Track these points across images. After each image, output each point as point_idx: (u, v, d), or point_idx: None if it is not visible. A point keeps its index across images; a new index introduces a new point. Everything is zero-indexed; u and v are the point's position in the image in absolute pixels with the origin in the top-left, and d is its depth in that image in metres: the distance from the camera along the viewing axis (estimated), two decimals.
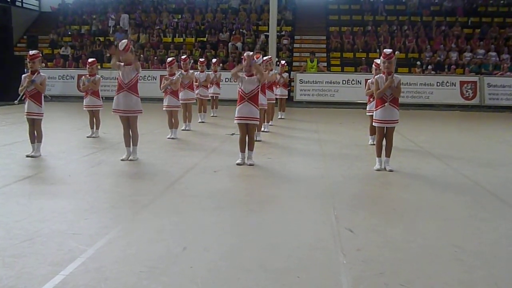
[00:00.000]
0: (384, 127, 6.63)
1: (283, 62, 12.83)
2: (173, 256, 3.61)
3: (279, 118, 12.61)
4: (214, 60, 12.96)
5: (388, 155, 6.70)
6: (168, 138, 9.06)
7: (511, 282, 3.27)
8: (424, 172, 6.68)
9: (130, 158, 7.03)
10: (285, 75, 12.88)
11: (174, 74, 9.60)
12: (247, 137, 6.91)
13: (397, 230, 4.28)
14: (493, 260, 3.64)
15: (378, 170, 6.64)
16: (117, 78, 6.99)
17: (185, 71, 10.13)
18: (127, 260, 3.51)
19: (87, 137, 9.12)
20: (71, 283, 3.14)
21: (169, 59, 9.71)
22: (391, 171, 6.57)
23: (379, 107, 6.60)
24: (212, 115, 12.91)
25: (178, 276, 3.28)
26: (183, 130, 10.11)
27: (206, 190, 5.52)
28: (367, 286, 3.17)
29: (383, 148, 6.71)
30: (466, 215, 4.74)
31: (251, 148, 6.94)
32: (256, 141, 7.98)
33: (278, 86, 12.35)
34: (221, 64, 19.24)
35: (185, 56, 10.42)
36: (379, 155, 6.74)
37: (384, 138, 6.68)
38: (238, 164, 6.82)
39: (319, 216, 4.65)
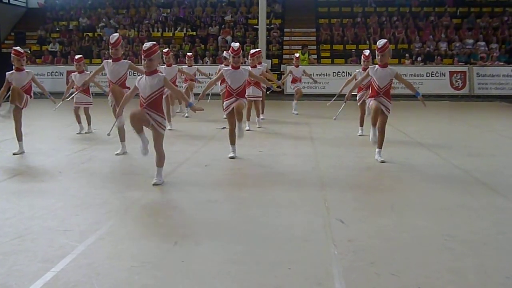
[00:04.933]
0: (378, 107, 6.54)
1: (297, 55, 12.39)
2: (164, 250, 3.61)
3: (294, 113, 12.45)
4: (189, 54, 12.17)
5: (379, 146, 6.71)
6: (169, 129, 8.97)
7: (501, 270, 3.30)
8: (415, 162, 6.71)
9: (118, 152, 7.02)
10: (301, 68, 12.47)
11: (171, 65, 9.70)
12: (235, 117, 6.78)
13: (388, 220, 4.30)
14: (483, 248, 3.67)
15: (375, 142, 6.74)
16: (107, 78, 7.00)
17: (167, 65, 9.67)
18: (119, 256, 3.51)
19: (77, 134, 9.07)
20: (63, 279, 3.13)
21: (165, 50, 9.63)
22: (382, 162, 6.59)
23: (372, 97, 6.61)
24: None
25: (170, 270, 3.28)
26: (169, 129, 9.61)
27: (197, 184, 5.51)
28: (358, 276, 3.19)
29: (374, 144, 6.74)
30: (456, 204, 4.77)
31: (239, 119, 6.76)
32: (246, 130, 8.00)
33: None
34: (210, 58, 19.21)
35: (167, 49, 10.04)
36: (374, 125, 6.70)
37: (376, 129, 6.66)
38: (231, 158, 6.81)
39: (311, 207, 4.66)
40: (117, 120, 6.38)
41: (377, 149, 6.73)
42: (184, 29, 21.55)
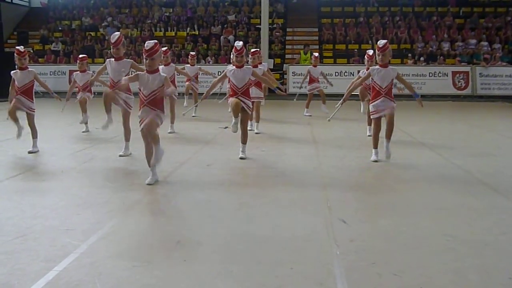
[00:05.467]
0: (381, 116, 6.57)
1: (316, 54, 12.06)
2: (166, 250, 3.62)
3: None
4: (192, 53, 12.10)
5: (388, 137, 6.53)
6: (169, 132, 8.97)
7: (502, 270, 3.30)
8: (417, 162, 6.71)
9: (120, 153, 7.01)
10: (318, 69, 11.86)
11: (169, 64, 9.52)
12: (241, 128, 6.80)
13: (390, 220, 4.30)
14: (484, 249, 3.67)
15: (375, 161, 6.63)
16: (109, 77, 7.02)
17: (165, 65, 9.33)
18: (121, 255, 3.51)
19: (84, 123, 9.24)
20: (65, 278, 3.14)
21: (164, 48, 9.60)
22: (389, 156, 6.51)
23: (374, 99, 6.60)
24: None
25: (172, 270, 3.29)
26: (169, 133, 9.02)
27: (199, 183, 5.52)
28: (360, 276, 3.19)
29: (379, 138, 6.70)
30: (457, 204, 4.77)
31: (244, 141, 6.90)
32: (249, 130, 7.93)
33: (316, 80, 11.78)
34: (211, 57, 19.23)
35: (166, 48, 9.93)
36: (375, 146, 6.72)
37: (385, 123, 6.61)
38: (241, 158, 6.77)
39: (313, 207, 4.66)
40: (108, 117, 6.68)
41: (385, 141, 6.59)
42: (188, 29, 21.54)
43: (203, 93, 6.95)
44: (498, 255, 3.55)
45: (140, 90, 5.36)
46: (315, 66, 11.79)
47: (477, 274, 3.24)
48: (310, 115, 11.85)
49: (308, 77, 11.84)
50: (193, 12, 22.58)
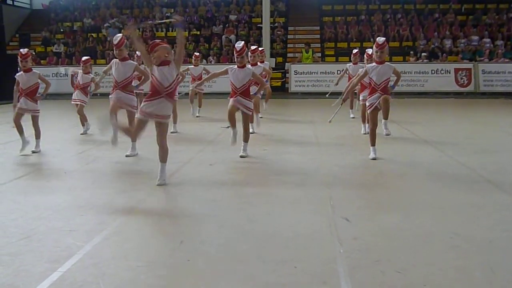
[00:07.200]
0: (376, 105, 6.58)
1: (355, 51, 11.09)
2: (170, 250, 3.62)
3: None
4: (196, 54, 12.09)
5: (386, 117, 6.63)
6: (171, 132, 8.92)
7: (507, 267, 3.29)
8: (420, 160, 6.70)
9: (126, 153, 6.99)
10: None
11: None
12: (242, 126, 6.81)
13: (393, 218, 4.29)
14: (488, 246, 3.66)
15: (373, 159, 6.64)
16: (113, 78, 7.01)
17: None
18: (125, 255, 3.52)
19: (81, 134, 9.12)
20: (69, 279, 3.14)
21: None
22: (388, 135, 6.54)
23: (370, 95, 6.64)
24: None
25: (175, 269, 3.29)
26: (171, 132, 8.78)
27: (202, 183, 5.53)
28: (363, 274, 3.19)
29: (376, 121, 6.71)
30: (461, 202, 4.76)
31: (245, 139, 6.88)
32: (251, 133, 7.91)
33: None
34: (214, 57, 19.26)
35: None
36: (373, 144, 6.73)
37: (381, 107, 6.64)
38: (241, 157, 6.80)
39: (315, 206, 4.66)
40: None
41: (383, 120, 6.64)
42: (210, 29, 21.46)
43: (209, 93, 6.96)
44: (502, 252, 3.54)
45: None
46: (355, 63, 10.82)
47: (481, 271, 3.23)
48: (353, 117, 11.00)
49: (347, 75, 10.93)
50: (213, 13, 22.51)
